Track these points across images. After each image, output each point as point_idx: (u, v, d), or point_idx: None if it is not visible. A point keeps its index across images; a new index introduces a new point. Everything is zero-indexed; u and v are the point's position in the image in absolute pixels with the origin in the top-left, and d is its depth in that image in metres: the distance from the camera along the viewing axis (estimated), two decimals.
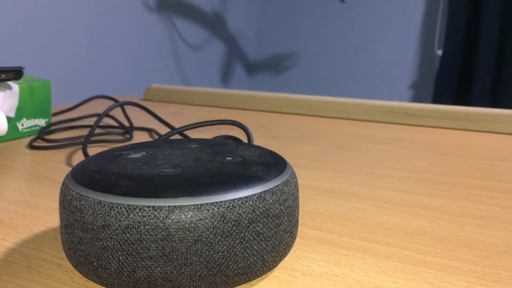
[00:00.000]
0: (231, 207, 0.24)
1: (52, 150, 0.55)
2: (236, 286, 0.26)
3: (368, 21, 2.05)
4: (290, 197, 0.27)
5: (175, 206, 0.23)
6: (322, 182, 0.45)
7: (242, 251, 0.24)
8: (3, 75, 0.54)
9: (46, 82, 0.64)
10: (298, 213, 0.29)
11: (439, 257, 0.30)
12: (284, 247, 0.27)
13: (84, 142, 0.49)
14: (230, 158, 0.29)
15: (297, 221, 0.28)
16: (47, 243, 0.31)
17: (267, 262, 0.26)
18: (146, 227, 0.23)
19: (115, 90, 1.23)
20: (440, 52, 1.90)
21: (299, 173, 0.47)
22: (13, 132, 0.60)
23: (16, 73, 0.55)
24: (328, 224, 0.35)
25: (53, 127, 0.66)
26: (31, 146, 0.56)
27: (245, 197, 0.24)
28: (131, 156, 0.30)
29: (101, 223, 0.24)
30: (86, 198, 0.24)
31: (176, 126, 0.63)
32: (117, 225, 0.23)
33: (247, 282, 0.26)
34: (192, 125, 0.45)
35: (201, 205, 0.23)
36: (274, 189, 0.26)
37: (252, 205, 0.24)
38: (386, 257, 0.30)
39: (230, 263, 0.24)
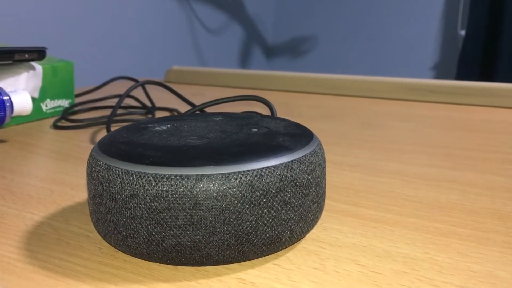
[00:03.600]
0: (259, 176, 0.24)
1: (76, 130, 0.56)
2: (264, 256, 0.26)
3: (389, 0, 2.01)
4: (318, 167, 0.27)
5: (202, 175, 0.23)
6: (348, 157, 0.44)
7: (270, 220, 0.24)
8: (26, 55, 0.54)
9: (68, 63, 0.64)
10: (325, 184, 0.28)
11: (471, 229, 0.29)
12: (311, 218, 0.26)
13: (108, 120, 0.49)
14: (256, 129, 0.29)
15: (324, 192, 0.28)
16: (75, 216, 0.32)
17: (295, 233, 0.25)
18: (174, 195, 0.23)
19: (135, 73, 1.24)
20: (463, 33, 1.86)
21: (324, 149, 0.46)
22: (37, 113, 0.60)
23: (39, 54, 0.55)
24: (355, 197, 0.35)
25: (76, 108, 0.66)
26: (55, 126, 0.57)
27: (272, 166, 0.24)
28: (156, 128, 0.30)
29: (129, 192, 0.23)
30: (114, 168, 0.24)
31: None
32: (145, 194, 0.23)
33: (274, 252, 0.26)
34: (215, 101, 0.45)
35: (229, 174, 0.23)
36: (302, 159, 0.25)
37: (279, 174, 0.24)
38: (416, 229, 0.29)
39: (258, 232, 0.24)
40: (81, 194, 0.36)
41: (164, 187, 0.23)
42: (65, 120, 0.59)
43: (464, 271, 0.24)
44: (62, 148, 0.49)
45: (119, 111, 0.65)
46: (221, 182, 0.23)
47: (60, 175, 0.40)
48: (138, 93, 0.81)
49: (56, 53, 1.10)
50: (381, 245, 0.27)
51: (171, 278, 0.24)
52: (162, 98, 0.76)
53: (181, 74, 0.97)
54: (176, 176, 0.23)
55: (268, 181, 0.24)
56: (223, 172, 0.23)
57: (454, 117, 0.63)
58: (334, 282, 0.24)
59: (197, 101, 0.74)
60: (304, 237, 0.28)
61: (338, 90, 0.80)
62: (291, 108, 0.70)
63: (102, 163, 0.25)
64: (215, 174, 0.23)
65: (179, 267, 0.25)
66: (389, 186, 0.37)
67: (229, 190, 0.23)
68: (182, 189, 0.23)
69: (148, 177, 0.23)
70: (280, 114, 0.65)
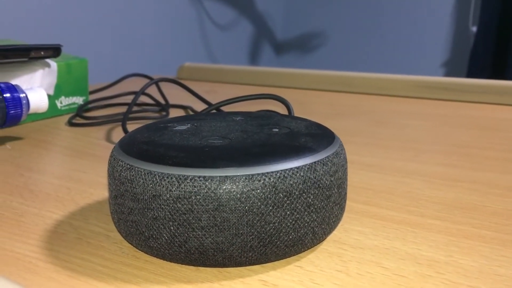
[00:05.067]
0: (282, 177, 0.23)
1: (91, 127, 0.56)
2: (286, 257, 0.26)
3: None
4: (340, 168, 0.26)
5: (226, 176, 0.23)
6: (364, 157, 0.44)
7: (293, 222, 0.24)
8: (42, 53, 0.54)
9: (83, 60, 0.64)
10: (347, 185, 0.28)
11: (494, 231, 0.29)
12: (333, 220, 0.26)
13: (124, 118, 0.49)
14: (277, 130, 0.29)
15: (345, 193, 0.28)
16: (94, 215, 0.32)
17: (317, 234, 0.25)
18: (197, 197, 0.23)
19: (145, 70, 1.24)
20: (474, 29, 1.84)
21: None
22: (52, 110, 0.60)
23: (54, 51, 0.55)
24: (375, 198, 0.34)
25: (90, 105, 0.66)
26: (70, 123, 0.57)
27: (296, 167, 0.24)
28: (176, 128, 0.29)
29: (152, 193, 0.23)
30: (136, 168, 0.24)
31: (212, 103, 0.62)
32: (168, 195, 0.23)
33: (297, 254, 0.26)
34: (233, 100, 0.45)
35: (252, 175, 0.23)
36: (325, 160, 0.25)
37: (303, 176, 0.24)
38: (438, 231, 0.29)
39: (281, 234, 0.24)
40: (99, 192, 0.36)
41: (187, 188, 0.23)
42: (80, 117, 0.59)
43: (490, 275, 0.24)
44: (78, 145, 0.49)
45: (133, 108, 0.65)
46: (245, 184, 0.23)
47: (77, 173, 0.40)
48: (151, 90, 0.81)
49: (69, 50, 1.10)
50: (403, 247, 0.27)
51: (193, 280, 0.24)
52: (175, 95, 0.76)
53: (193, 71, 0.97)
54: (199, 177, 0.23)
55: (291, 182, 0.24)
56: (246, 173, 0.23)
57: (470, 115, 0.62)
58: (358, 285, 0.23)
59: (210, 98, 0.74)
60: (325, 238, 0.27)
61: (351, 87, 0.79)
62: (303, 105, 0.69)
63: (124, 163, 0.25)
64: (238, 175, 0.23)
65: (201, 269, 0.25)
66: (408, 186, 0.36)
67: (253, 192, 0.23)
68: (205, 190, 0.23)
69: (171, 178, 0.23)
70: (294, 111, 0.64)
